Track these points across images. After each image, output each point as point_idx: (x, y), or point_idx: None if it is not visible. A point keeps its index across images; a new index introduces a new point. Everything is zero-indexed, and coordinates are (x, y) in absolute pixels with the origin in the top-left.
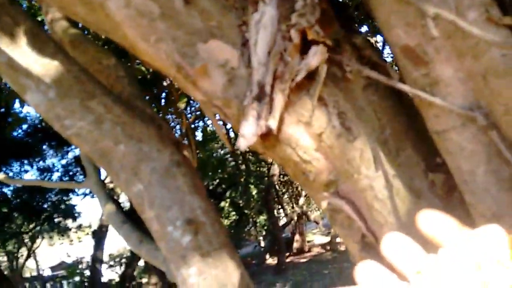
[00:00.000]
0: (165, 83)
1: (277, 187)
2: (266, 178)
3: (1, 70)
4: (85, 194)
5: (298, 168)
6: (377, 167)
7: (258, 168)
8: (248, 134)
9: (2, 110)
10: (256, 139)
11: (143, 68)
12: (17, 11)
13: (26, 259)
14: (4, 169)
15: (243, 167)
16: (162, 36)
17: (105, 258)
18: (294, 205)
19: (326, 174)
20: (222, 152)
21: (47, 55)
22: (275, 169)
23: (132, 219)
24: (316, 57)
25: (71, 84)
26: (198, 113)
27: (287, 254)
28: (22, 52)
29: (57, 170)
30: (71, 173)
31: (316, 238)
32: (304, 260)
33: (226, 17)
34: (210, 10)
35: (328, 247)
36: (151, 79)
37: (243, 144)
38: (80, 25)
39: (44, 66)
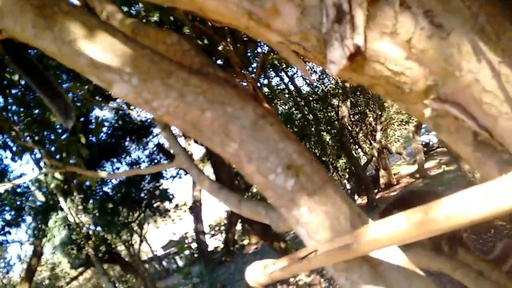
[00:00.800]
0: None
1: (349, 128)
2: (336, 122)
3: (86, 71)
4: (173, 177)
5: (391, 83)
6: (479, 58)
7: (326, 114)
8: (336, 58)
9: (82, 118)
10: (345, 63)
11: (198, 42)
12: (86, 13)
13: (140, 244)
14: (99, 170)
15: (311, 116)
16: None
17: (206, 229)
18: (372, 142)
19: (423, 81)
20: (286, 107)
21: (120, 46)
22: (344, 111)
23: None
24: None
25: (148, 67)
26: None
27: (375, 191)
28: (99, 49)
29: (143, 161)
30: (155, 160)
31: (402, 169)
32: (395, 192)
33: None
34: None
35: (417, 175)
36: (207, 49)
37: (334, 69)
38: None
39: (121, 57)
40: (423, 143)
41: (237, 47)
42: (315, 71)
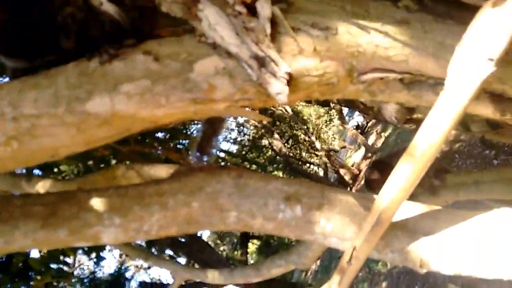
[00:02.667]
0: None
1: (291, 154)
2: (277, 157)
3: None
4: None
5: (322, 84)
6: (367, 31)
7: (265, 157)
8: (280, 90)
9: None
10: (287, 88)
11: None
12: None
13: None
14: None
15: (254, 166)
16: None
17: None
18: (316, 153)
19: (341, 69)
20: None
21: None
22: (277, 144)
23: None
24: (265, 7)
25: (121, 202)
26: None
27: (348, 189)
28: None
29: None
30: None
31: (355, 157)
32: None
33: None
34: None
35: (369, 154)
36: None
37: (283, 98)
38: None
39: (92, 210)
40: (355, 127)
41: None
42: (232, 129)
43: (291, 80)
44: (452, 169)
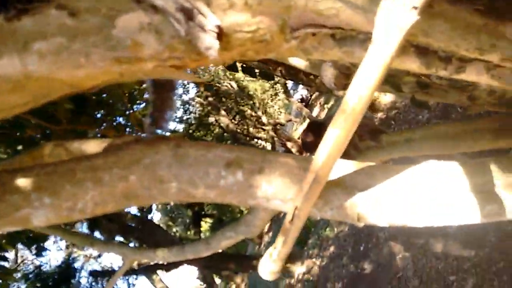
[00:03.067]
0: None
1: (239, 130)
2: (225, 134)
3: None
4: None
5: (256, 41)
6: None
7: (212, 134)
8: (210, 44)
9: None
10: (218, 42)
11: None
12: None
13: None
14: None
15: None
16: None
17: None
18: (263, 128)
19: (274, 24)
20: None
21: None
22: (224, 120)
23: None
24: None
25: (53, 180)
26: None
27: None
28: None
29: None
30: None
31: (300, 130)
32: None
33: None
34: None
35: None
36: None
37: (214, 52)
38: None
39: (28, 186)
40: (299, 100)
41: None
42: (177, 108)
43: (222, 35)
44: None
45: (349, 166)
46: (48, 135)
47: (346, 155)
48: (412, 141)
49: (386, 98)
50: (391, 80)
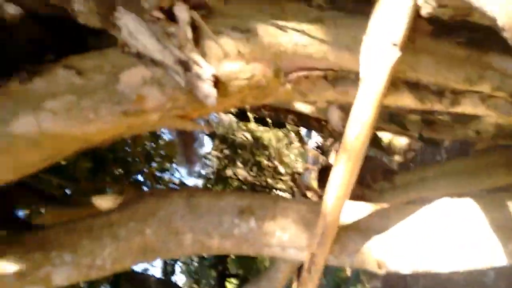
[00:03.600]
0: None
1: (256, 183)
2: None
3: None
4: None
5: (253, 87)
6: (284, 30)
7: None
8: (207, 92)
9: None
10: (215, 90)
11: None
12: None
13: None
14: None
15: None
16: None
17: None
18: (281, 179)
19: (268, 70)
20: None
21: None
22: (242, 173)
23: None
24: (183, 11)
25: (74, 241)
26: None
27: None
28: None
29: None
30: None
31: None
32: None
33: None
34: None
35: None
36: None
37: (212, 100)
38: None
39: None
40: (315, 147)
41: None
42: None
43: (219, 83)
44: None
45: (364, 209)
46: (68, 194)
47: (361, 198)
48: (426, 179)
49: (401, 141)
50: (396, 119)
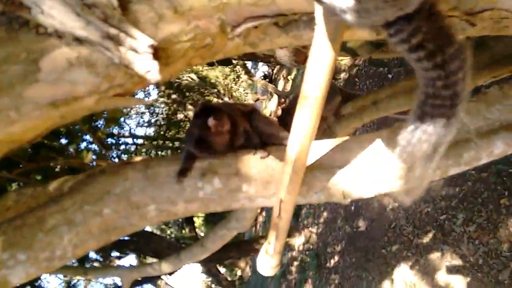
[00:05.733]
0: None
1: None
2: None
3: None
4: None
5: (198, 47)
6: None
7: (183, 129)
8: (147, 66)
9: None
10: (156, 63)
11: None
12: None
13: None
14: None
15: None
16: None
17: None
18: None
19: (213, 26)
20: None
21: None
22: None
23: None
24: None
25: (16, 239)
26: None
27: None
28: None
29: None
30: None
31: (270, 106)
32: None
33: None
34: None
35: (282, 99)
36: None
37: (154, 74)
38: None
39: None
40: (262, 77)
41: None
42: (142, 113)
43: (158, 52)
44: (357, 92)
45: (324, 145)
46: (9, 180)
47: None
48: (379, 102)
49: (346, 61)
50: (345, 46)
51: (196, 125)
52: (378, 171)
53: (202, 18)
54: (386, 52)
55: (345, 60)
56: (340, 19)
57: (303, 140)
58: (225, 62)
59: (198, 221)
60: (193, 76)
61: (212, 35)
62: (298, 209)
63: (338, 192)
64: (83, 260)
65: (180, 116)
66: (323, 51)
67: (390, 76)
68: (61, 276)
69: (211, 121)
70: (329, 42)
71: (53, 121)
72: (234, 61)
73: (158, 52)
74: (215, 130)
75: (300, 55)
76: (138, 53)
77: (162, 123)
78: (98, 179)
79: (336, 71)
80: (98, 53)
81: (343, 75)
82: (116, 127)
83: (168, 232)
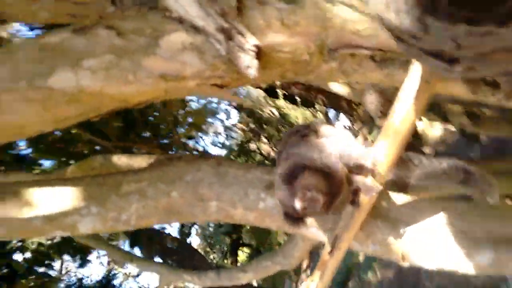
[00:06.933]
0: None
1: None
2: (266, 161)
3: (45, 230)
4: None
5: (295, 62)
6: (333, 3)
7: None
8: (249, 63)
9: None
10: (257, 62)
11: None
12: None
13: None
14: None
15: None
16: None
17: None
18: None
19: (312, 45)
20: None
21: (67, 190)
22: (266, 149)
23: None
24: None
25: (99, 190)
26: None
27: None
28: (52, 203)
29: None
30: None
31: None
32: None
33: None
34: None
35: None
36: None
37: (253, 71)
38: None
39: (72, 198)
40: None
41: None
42: (219, 133)
43: (261, 54)
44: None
45: (395, 198)
46: (97, 151)
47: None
48: None
49: (435, 133)
50: (436, 108)
51: (283, 195)
52: (446, 244)
53: (304, 35)
54: (481, 127)
55: (434, 135)
56: (443, 72)
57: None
58: (308, 104)
59: (242, 256)
60: (275, 111)
61: (310, 53)
62: (344, 279)
63: (397, 251)
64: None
65: (253, 146)
66: (413, 93)
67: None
68: (104, 263)
69: (298, 204)
70: (419, 89)
71: (158, 93)
72: (317, 106)
73: (260, 54)
74: (304, 212)
75: (387, 107)
76: (243, 50)
77: (235, 148)
78: (175, 163)
79: (421, 141)
80: (209, 44)
81: (428, 150)
82: (193, 139)
83: (211, 256)
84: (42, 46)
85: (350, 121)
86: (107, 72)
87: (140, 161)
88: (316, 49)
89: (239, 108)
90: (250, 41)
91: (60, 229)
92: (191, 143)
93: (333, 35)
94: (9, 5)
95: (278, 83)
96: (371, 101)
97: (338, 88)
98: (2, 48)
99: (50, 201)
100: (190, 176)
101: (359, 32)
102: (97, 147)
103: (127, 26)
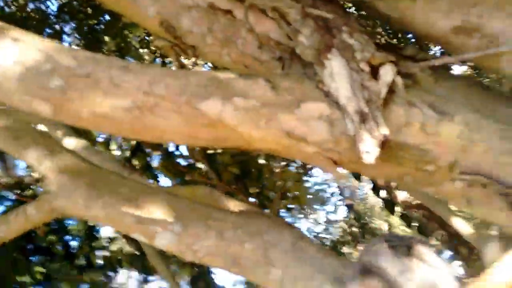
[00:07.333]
0: None
1: None
2: None
3: (131, 229)
4: None
5: (418, 168)
6: (482, 129)
7: None
8: (370, 148)
9: None
10: (378, 150)
11: None
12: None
13: None
14: None
15: None
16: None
17: None
18: None
19: (444, 159)
20: None
21: (163, 201)
22: None
23: None
24: (388, 73)
25: (189, 214)
26: None
27: None
28: (145, 207)
29: None
30: None
31: None
32: None
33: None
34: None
35: None
36: None
37: (370, 157)
38: None
39: (165, 210)
40: None
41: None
42: (318, 223)
43: (385, 145)
44: None
45: None
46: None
47: None
48: None
49: None
50: None
51: None
52: None
53: (440, 147)
54: None
55: None
56: None
57: None
58: (423, 232)
59: None
60: (384, 225)
61: (438, 166)
62: None
63: None
64: None
65: (347, 250)
66: None
67: None
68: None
69: None
70: None
71: (278, 146)
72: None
73: (385, 145)
74: None
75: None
76: (370, 135)
77: (327, 244)
78: (262, 218)
79: None
80: (342, 120)
81: None
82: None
83: None
84: (212, 77)
85: (463, 267)
86: (247, 113)
87: (234, 205)
88: (445, 165)
89: (349, 207)
90: (381, 130)
91: (141, 233)
92: (286, 214)
93: (471, 157)
94: (204, 44)
95: (399, 199)
96: (492, 250)
97: (461, 225)
98: (186, 69)
99: (149, 205)
100: (269, 236)
101: (503, 167)
102: (208, 181)
103: (283, 83)
